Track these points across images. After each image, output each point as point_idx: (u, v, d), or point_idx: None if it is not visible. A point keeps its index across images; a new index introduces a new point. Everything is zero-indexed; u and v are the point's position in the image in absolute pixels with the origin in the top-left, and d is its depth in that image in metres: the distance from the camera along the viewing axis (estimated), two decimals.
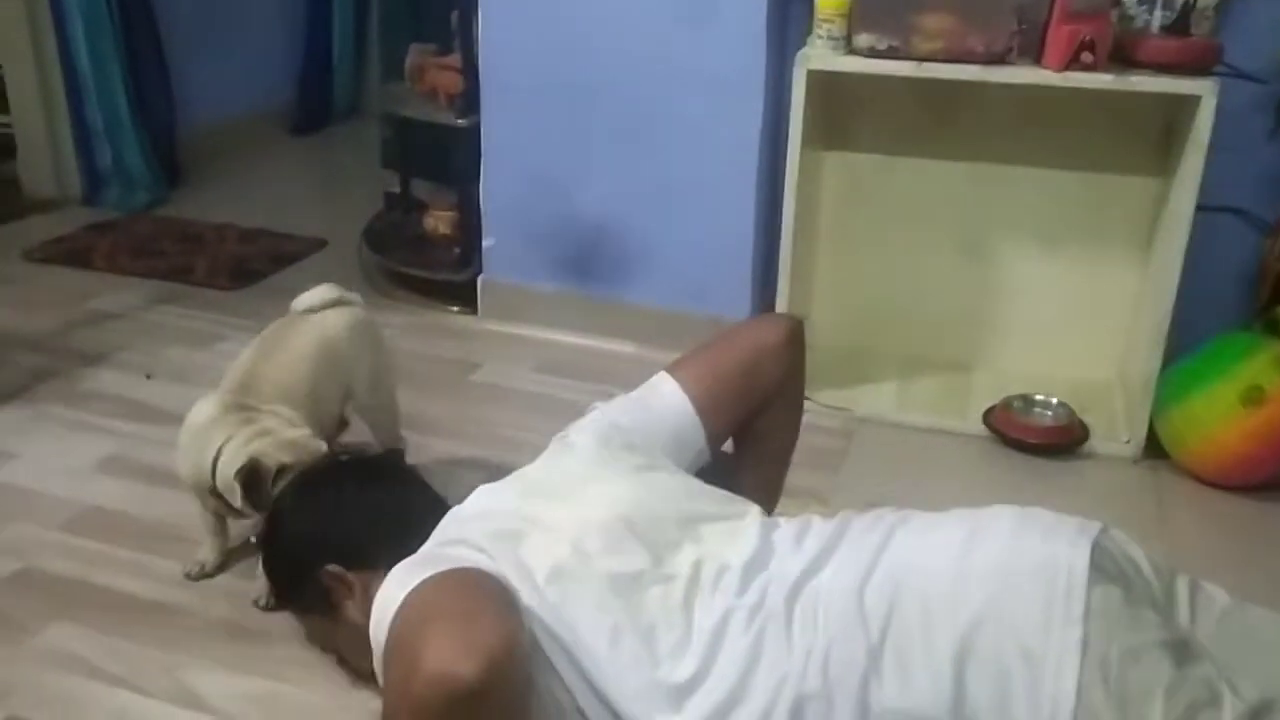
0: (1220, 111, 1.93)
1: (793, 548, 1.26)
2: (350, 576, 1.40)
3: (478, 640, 1.00)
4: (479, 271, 2.79)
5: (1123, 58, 2.01)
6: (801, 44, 2.20)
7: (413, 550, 1.27)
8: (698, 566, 1.24)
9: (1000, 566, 1.15)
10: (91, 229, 3.35)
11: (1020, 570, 1.14)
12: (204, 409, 1.71)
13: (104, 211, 3.51)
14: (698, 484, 1.40)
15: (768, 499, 1.57)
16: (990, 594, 1.12)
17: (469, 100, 2.66)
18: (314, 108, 4.59)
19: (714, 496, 1.37)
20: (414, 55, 2.94)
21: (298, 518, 1.51)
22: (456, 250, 2.85)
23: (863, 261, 2.53)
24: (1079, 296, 2.43)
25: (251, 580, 1.72)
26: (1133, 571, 1.17)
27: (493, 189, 2.69)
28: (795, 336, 1.55)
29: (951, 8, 2.03)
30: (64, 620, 1.66)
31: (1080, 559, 1.11)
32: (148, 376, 2.43)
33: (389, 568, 1.22)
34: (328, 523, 1.47)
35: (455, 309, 2.85)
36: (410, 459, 1.89)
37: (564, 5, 2.47)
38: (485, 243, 2.74)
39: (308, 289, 1.93)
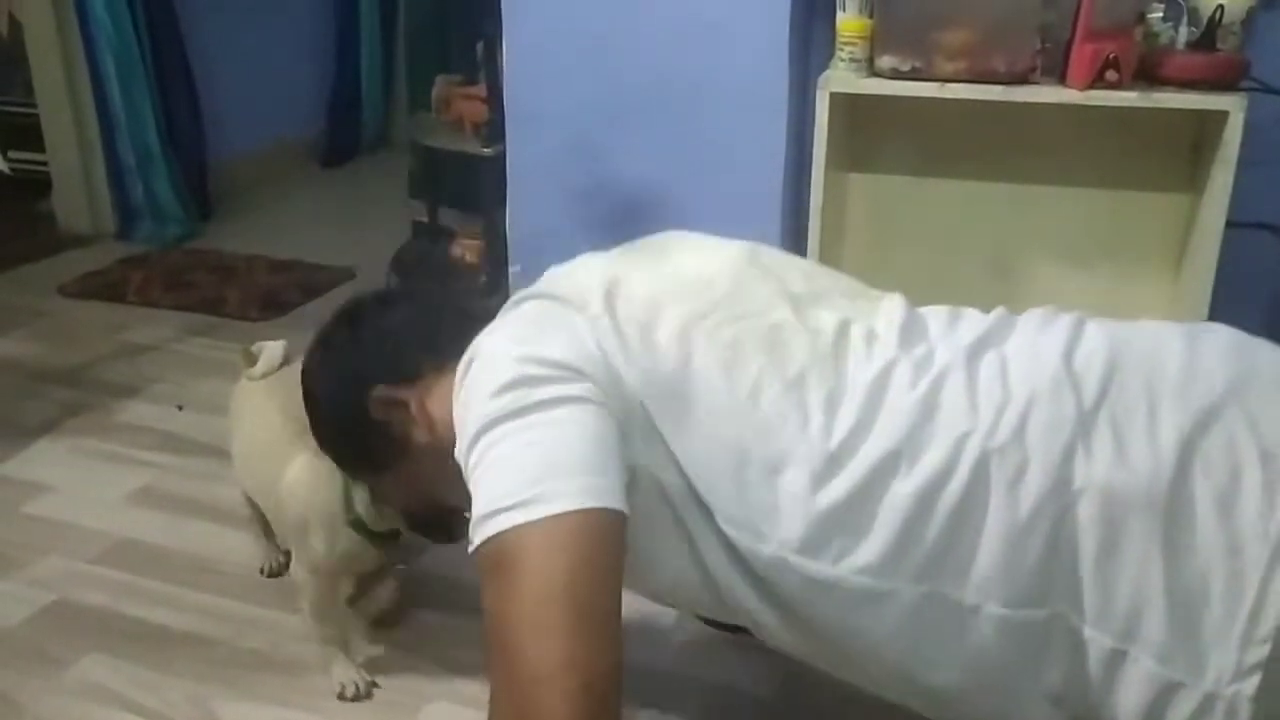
0: (1249, 126, 1.91)
1: (950, 322, 1.14)
2: (400, 394, 1.27)
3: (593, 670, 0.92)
4: (506, 299, 2.79)
5: (1148, 75, 2.00)
6: (824, 67, 2.20)
7: (453, 345, 1.15)
8: (844, 325, 1.10)
9: (1238, 362, 1.04)
10: (125, 263, 3.39)
11: (1262, 371, 1.03)
12: (299, 457, 1.56)
13: (137, 245, 3.56)
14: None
15: None
16: (1230, 383, 1.01)
17: (494, 129, 2.68)
18: (343, 140, 4.64)
19: (846, 281, 1.26)
20: (440, 86, 2.97)
21: (326, 372, 1.38)
22: (483, 278, 2.87)
23: (891, 283, 2.48)
24: (1109, 315, 2.38)
25: (275, 610, 1.73)
26: None
27: (518, 216, 2.70)
28: None
29: (974, 28, 2.02)
30: (97, 652, 1.67)
31: None
32: (179, 408, 2.45)
33: (436, 368, 1.17)
34: (355, 357, 1.34)
35: None
36: None
37: (587, 35, 2.48)
38: (511, 269, 2.75)
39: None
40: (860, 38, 2.09)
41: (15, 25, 3.61)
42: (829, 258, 2.29)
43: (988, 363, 1.05)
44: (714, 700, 1.57)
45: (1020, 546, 0.98)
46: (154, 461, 2.23)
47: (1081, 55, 1.96)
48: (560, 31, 2.50)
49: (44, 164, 3.71)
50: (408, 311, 1.37)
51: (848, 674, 1.15)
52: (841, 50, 2.12)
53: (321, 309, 3.02)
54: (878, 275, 2.48)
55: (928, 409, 1.02)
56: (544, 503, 0.95)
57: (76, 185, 3.65)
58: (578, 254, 2.72)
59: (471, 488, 1.01)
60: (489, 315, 1.22)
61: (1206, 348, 1.06)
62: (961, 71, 2.04)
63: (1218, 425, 0.98)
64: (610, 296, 1.11)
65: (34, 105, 3.65)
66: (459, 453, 1.04)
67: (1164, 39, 2.08)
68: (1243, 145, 1.92)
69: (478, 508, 0.99)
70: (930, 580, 1.00)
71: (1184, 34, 2.06)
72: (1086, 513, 0.97)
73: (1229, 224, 1.98)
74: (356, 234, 3.85)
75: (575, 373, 1.02)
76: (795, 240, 2.43)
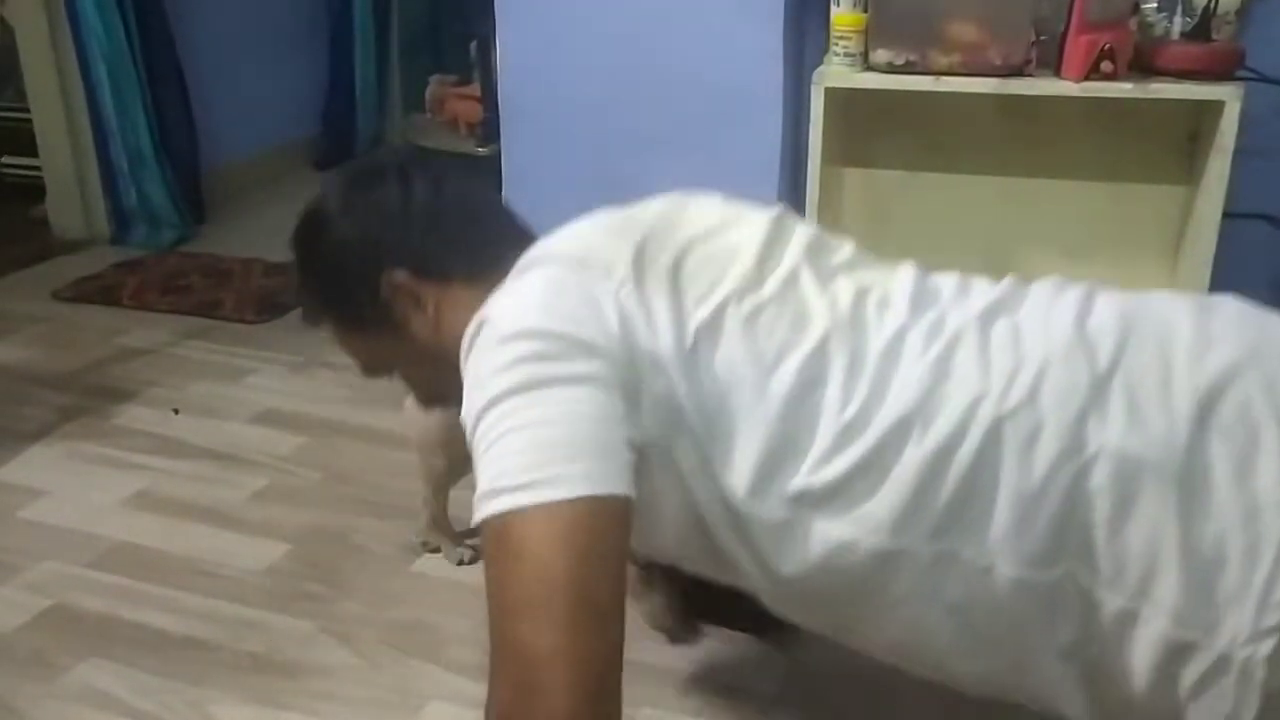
0: (1246, 117, 1.91)
1: (961, 289, 1.14)
2: (422, 288, 1.21)
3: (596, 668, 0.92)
4: None
5: (1143, 66, 2.00)
6: (819, 62, 2.20)
7: (495, 262, 1.14)
8: (861, 293, 1.10)
9: (1251, 326, 1.04)
10: (119, 267, 3.38)
11: (1274, 339, 1.03)
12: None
13: (131, 250, 3.54)
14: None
15: None
16: (1245, 348, 1.01)
17: (489, 129, 2.67)
18: (338, 142, 4.62)
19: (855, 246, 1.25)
20: (434, 86, 2.97)
21: (348, 219, 1.28)
22: None
23: None
24: None
25: (273, 613, 1.72)
26: None
27: None
28: None
29: (969, 21, 2.02)
30: (94, 657, 1.66)
31: None
32: (175, 411, 2.44)
33: (467, 278, 1.14)
34: (391, 225, 1.25)
35: None
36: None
37: (580, 33, 2.48)
38: None
39: None
40: (855, 32, 2.08)
41: (6, 30, 3.60)
42: None
43: (1000, 329, 1.06)
44: (715, 697, 1.56)
45: (1033, 509, 0.98)
46: (150, 465, 2.22)
47: (1076, 47, 1.95)
48: (554, 29, 2.49)
49: (37, 169, 3.70)
50: (465, 203, 1.29)
51: (851, 638, 1.14)
52: (836, 45, 2.11)
53: None
54: None
55: (940, 374, 1.02)
56: (546, 487, 0.94)
57: (70, 190, 3.63)
58: None
59: (476, 462, 1.00)
60: (534, 237, 1.21)
61: (1218, 316, 1.06)
62: (956, 65, 2.04)
63: (1233, 390, 0.98)
64: (638, 264, 1.09)
65: (27, 110, 3.63)
66: (465, 419, 1.02)
67: (1159, 29, 2.07)
68: (1239, 135, 1.92)
69: (481, 484, 0.98)
70: (943, 540, 1.00)
71: (1179, 24, 2.06)
72: (1101, 476, 0.97)
73: (1226, 215, 1.98)
74: None
75: (588, 349, 1.01)
76: None
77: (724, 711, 1.54)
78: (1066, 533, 0.98)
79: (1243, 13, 2.09)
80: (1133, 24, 2.01)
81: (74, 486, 2.15)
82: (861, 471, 1.01)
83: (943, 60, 2.04)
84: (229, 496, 2.09)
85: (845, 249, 1.22)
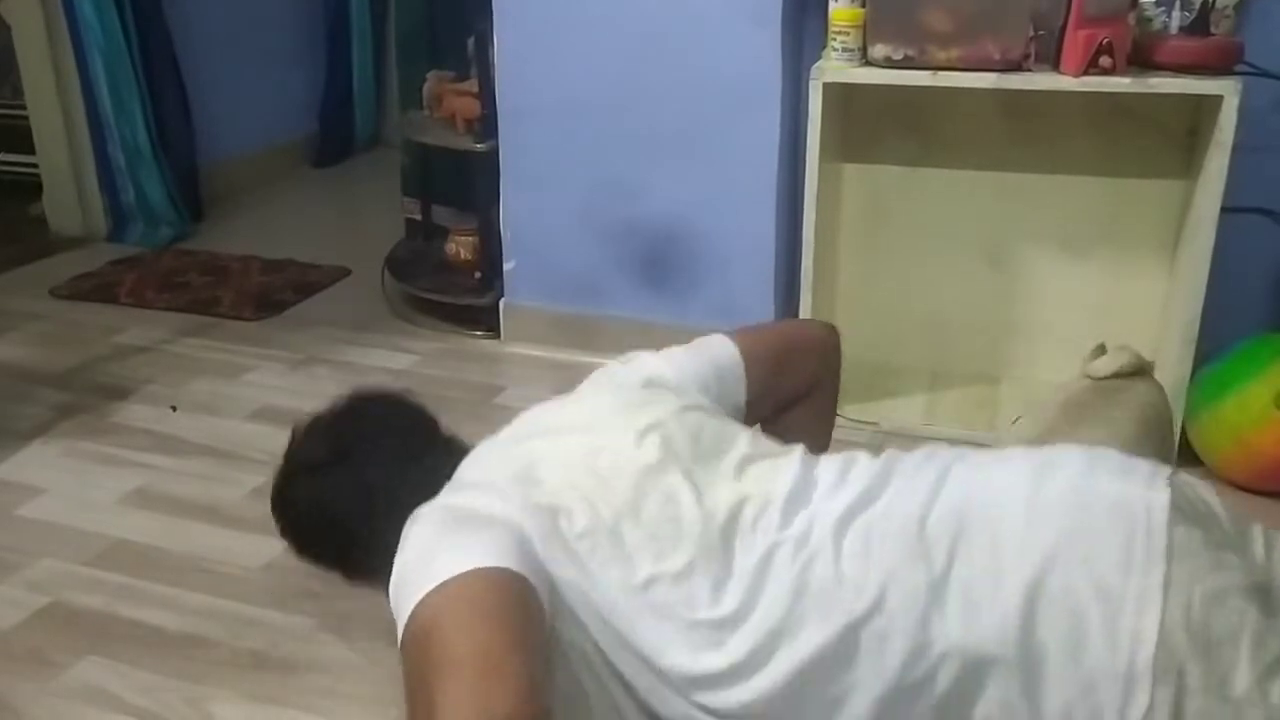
0: (1244, 111, 1.91)
1: (837, 481, 1.19)
2: (357, 580, 1.37)
3: (498, 710, 0.94)
4: (501, 295, 2.79)
5: (1142, 60, 1.99)
6: (817, 57, 2.19)
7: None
8: (738, 506, 1.17)
9: (1074, 503, 1.09)
10: (117, 264, 3.38)
11: (1096, 507, 1.08)
12: None
13: (129, 247, 3.55)
14: (736, 425, 1.33)
15: None
16: (1065, 529, 1.06)
17: (487, 125, 2.67)
18: (335, 139, 4.62)
19: (753, 436, 1.31)
20: (431, 82, 2.95)
21: (293, 519, 1.42)
22: (478, 275, 2.86)
23: (886, 274, 2.51)
24: (1106, 303, 2.40)
25: (272, 610, 1.72)
26: (1209, 515, 1.10)
27: (512, 212, 2.70)
28: (833, 337, 1.59)
29: (967, 15, 2.02)
30: (92, 654, 1.66)
31: (1159, 498, 1.06)
32: (173, 409, 2.44)
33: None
34: (318, 533, 1.39)
35: (479, 333, 2.84)
36: None
37: (578, 28, 2.47)
38: (506, 266, 2.74)
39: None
40: (852, 27, 2.08)
41: (3, 27, 3.59)
42: (824, 249, 2.28)
43: (853, 537, 1.12)
44: None
45: (891, 710, 1.06)
46: (148, 463, 2.22)
47: (1075, 41, 1.95)
48: (551, 25, 2.49)
49: (34, 166, 3.70)
50: (378, 500, 1.33)
51: None
52: (834, 40, 2.11)
53: (316, 308, 3.03)
54: (873, 265, 2.49)
55: (799, 588, 1.09)
56: (441, 571, 1.03)
57: (67, 187, 3.63)
58: (572, 248, 2.73)
59: (394, 613, 1.08)
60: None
61: (1050, 490, 1.10)
62: (955, 60, 2.03)
63: (1056, 573, 1.03)
64: (523, 483, 1.17)
65: (24, 108, 3.63)
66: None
67: (1157, 24, 2.07)
68: (1238, 130, 1.92)
69: (398, 614, 1.06)
70: None
71: (1177, 19, 2.06)
72: (951, 670, 1.04)
73: (1225, 209, 1.98)
74: (350, 233, 3.84)
75: (491, 519, 1.12)
76: (790, 232, 2.43)
77: None
78: None
79: (1241, 7, 2.09)
80: (1131, 19, 2.00)
81: (72, 484, 2.15)
82: (733, 673, 1.08)
83: (941, 55, 2.04)
84: (227, 493, 2.09)
85: (734, 449, 1.25)
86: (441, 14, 3.57)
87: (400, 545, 1.12)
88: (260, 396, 2.50)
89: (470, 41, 2.73)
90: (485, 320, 2.83)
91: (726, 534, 1.15)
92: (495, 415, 2.47)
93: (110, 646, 1.68)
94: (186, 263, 3.42)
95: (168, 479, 2.15)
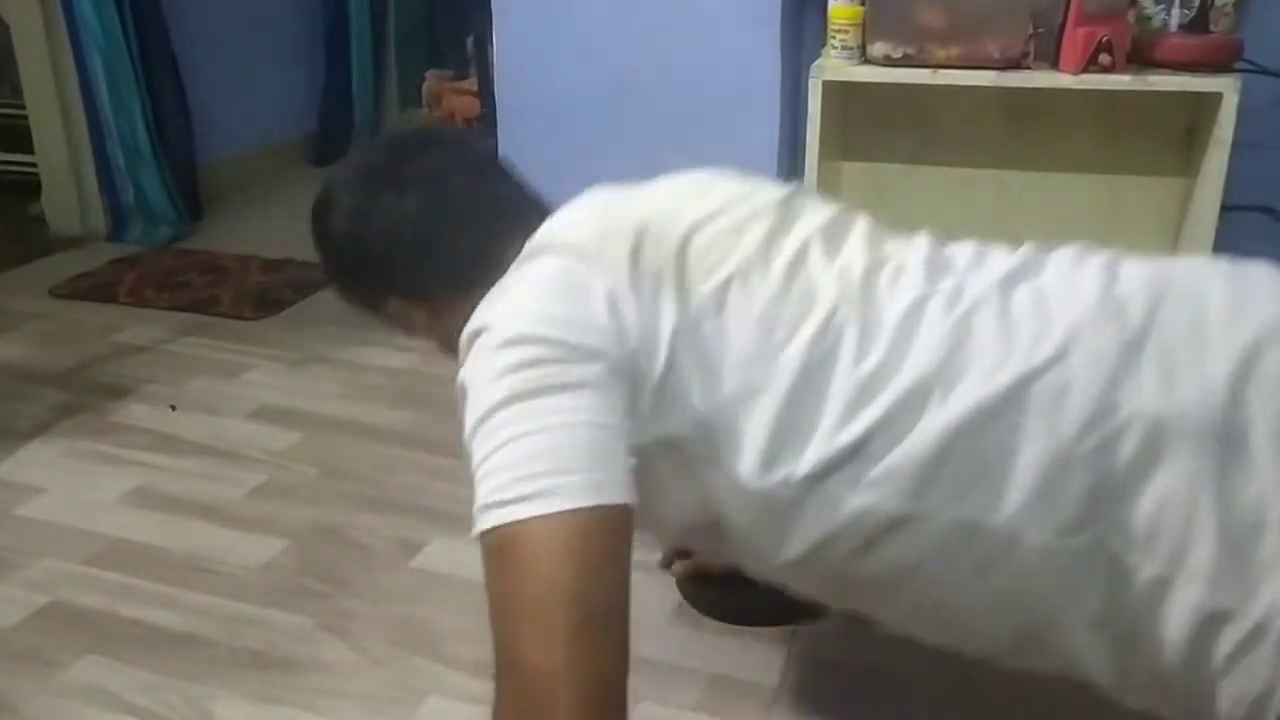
0: (1244, 109, 1.91)
1: (976, 259, 1.11)
2: (414, 309, 1.28)
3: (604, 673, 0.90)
4: None
5: (1141, 58, 2.00)
6: (816, 55, 2.19)
7: (488, 261, 1.13)
8: (873, 265, 1.08)
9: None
10: (116, 264, 3.38)
11: None
12: None
13: (128, 246, 3.54)
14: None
15: None
16: (1277, 313, 0.97)
17: (486, 123, 2.67)
18: (335, 138, 4.62)
19: (869, 218, 1.23)
20: (430, 81, 2.96)
21: (346, 235, 1.33)
22: None
23: None
24: None
25: (272, 609, 1.72)
26: None
27: None
28: None
29: (966, 13, 2.02)
30: (92, 654, 1.66)
31: None
32: (172, 408, 2.44)
33: (464, 290, 1.12)
34: (380, 247, 1.28)
35: None
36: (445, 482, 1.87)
37: (577, 27, 2.47)
38: None
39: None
40: (852, 25, 2.08)
41: (2, 26, 3.59)
42: None
43: (1021, 295, 1.03)
44: (714, 690, 1.56)
45: (1060, 473, 0.95)
46: (148, 462, 2.22)
47: (1074, 39, 1.95)
48: (551, 23, 2.49)
49: (33, 166, 3.70)
50: (459, 211, 1.27)
51: (867, 607, 1.12)
52: (833, 38, 2.11)
53: (315, 307, 3.02)
54: None
55: (959, 339, 0.99)
56: (545, 499, 0.93)
57: (66, 187, 3.63)
58: None
59: (474, 474, 0.99)
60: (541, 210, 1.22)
61: (1250, 279, 1.03)
62: (954, 58, 2.03)
63: (1270, 353, 0.95)
64: (636, 249, 1.07)
65: (22, 107, 3.63)
66: (465, 432, 1.02)
67: (1157, 22, 2.07)
68: (1238, 127, 1.92)
69: (479, 496, 0.97)
70: (964, 506, 0.97)
71: (1177, 16, 2.06)
72: (1133, 442, 0.94)
73: (1225, 207, 1.98)
74: None
75: (586, 353, 0.99)
76: None
77: (723, 704, 1.54)
78: (1096, 498, 0.95)
79: (1240, 4, 2.09)
80: (1131, 16, 2.01)
81: (71, 483, 2.15)
82: (878, 435, 0.98)
83: (940, 53, 2.04)
84: (227, 493, 2.08)
85: (860, 224, 1.20)
86: (441, 13, 3.59)
87: (477, 372, 1.01)
88: (260, 396, 2.50)
89: (469, 40, 2.74)
90: None
91: (866, 286, 1.06)
92: None
93: (110, 646, 1.68)
94: (186, 262, 3.42)
95: (167, 478, 2.15)
